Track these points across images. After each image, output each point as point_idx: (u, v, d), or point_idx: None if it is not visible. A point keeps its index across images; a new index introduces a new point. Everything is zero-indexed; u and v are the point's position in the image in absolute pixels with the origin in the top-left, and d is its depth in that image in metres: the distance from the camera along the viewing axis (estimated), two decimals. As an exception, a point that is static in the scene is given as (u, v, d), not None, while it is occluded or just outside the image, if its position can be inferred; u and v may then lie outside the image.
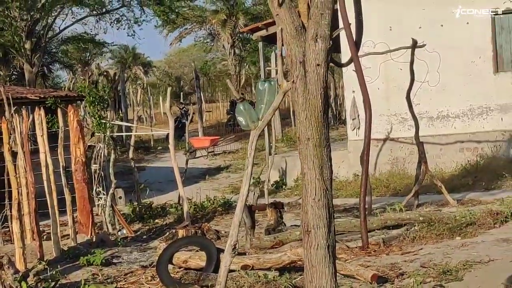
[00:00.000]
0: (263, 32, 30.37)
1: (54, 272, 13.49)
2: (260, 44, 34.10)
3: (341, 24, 12.45)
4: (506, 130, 23.45)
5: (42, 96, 25.77)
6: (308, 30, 6.70)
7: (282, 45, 6.91)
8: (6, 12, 44.50)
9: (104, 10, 49.85)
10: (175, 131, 20.90)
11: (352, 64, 12.92)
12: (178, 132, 32.90)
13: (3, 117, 16.07)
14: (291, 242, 14.25)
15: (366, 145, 14.57)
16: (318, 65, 6.62)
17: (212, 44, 63.88)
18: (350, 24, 10.87)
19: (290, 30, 6.73)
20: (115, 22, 51.39)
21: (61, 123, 17.91)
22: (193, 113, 44.29)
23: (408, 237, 15.06)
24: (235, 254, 7.93)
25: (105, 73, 51.66)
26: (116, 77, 50.94)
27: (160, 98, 55.58)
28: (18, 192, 15.44)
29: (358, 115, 23.48)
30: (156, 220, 19.76)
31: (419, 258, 13.29)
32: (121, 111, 45.31)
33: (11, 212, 15.51)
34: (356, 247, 14.18)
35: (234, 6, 52.20)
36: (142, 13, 50.38)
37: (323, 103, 6.64)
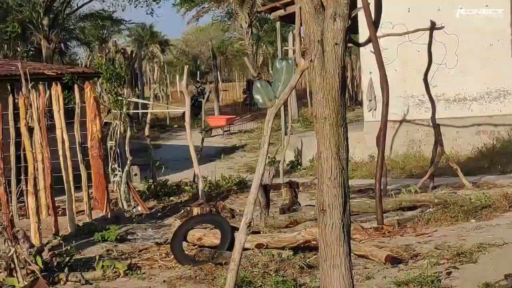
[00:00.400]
0: (281, 12, 30.33)
1: (69, 248, 13.56)
2: (278, 24, 34.14)
3: (360, 4, 12.43)
4: (524, 114, 23.40)
5: (59, 72, 25.75)
6: (327, 9, 6.68)
7: (301, 24, 6.89)
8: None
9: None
10: (191, 110, 20.94)
11: (370, 44, 12.92)
12: (194, 110, 32.78)
13: (20, 92, 16.10)
14: (305, 222, 14.26)
15: (383, 126, 14.56)
16: (336, 44, 6.60)
17: (230, 23, 63.76)
18: (369, 4, 10.85)
19: (308, 9, 6.71)
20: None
21: (77, 100, 17.94)
22: (210, 92, 44.24)
23: (422, 219, 15.05)
24: (250, 232, 7.94)
25: (122, 51, 51.55)
26: (133, 55, 50.94)
27: (177, 77, 55.64)
28: (34, 167, 15.48)
29: (375, 97, 23.41)
30: (171, 198, 19.76)
31: (433, 240, 13.29)
32: (138, 88, 45.51)
33: (26, 187, 15.53)
34: (370, 228, 14.16)
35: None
36: (160, -8, 50.33)
37: (340, 82, 6.63)
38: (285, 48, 36.16)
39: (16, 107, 16.72)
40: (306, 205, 16.62)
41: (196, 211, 16.12)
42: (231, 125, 38.10)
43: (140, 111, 29.66)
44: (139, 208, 18.28)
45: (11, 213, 14.02)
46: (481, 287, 10.31)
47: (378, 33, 12.86)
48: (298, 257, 12.41)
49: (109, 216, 17.23)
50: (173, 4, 56.30)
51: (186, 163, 21.92)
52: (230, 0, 55.48)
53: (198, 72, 56.53)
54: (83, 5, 50.99)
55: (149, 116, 24.01)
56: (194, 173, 19.28)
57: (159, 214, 17.91)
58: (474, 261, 11.72)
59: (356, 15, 12.68)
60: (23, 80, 17.39)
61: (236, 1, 54.07)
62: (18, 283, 11.16)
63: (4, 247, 12.18)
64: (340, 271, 6.57)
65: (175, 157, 25.85)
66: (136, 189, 19.41)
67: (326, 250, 6.62)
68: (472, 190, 17.25)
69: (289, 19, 30.06)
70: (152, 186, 20.64)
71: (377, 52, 12.95)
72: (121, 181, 18.86)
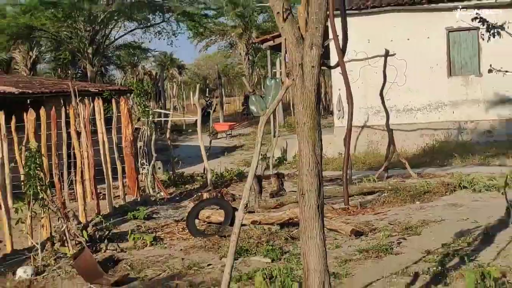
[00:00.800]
0: (270, 43, 30.78)
1: (107, 224, 13.54)
2: (268, 52, 34.38)
3: (330, 35, 12.42)
4: (456, 121, 23.47)
5: (100, 89, 25.81)
6: (305, 40, 6.68)
7: (286, 52, 6.88)
8: (74, 24, 44.52)
9: (148, 24, 49.85)
10: (202, 118, 21.04)
11: (339, 67, 12.91)
12: (204, 119, 32.85)
13: (71, 105, 16.09)
14: (289, 204, 14.25)
15: (348, 131, 14.55)
16: (313, 67, 6.60)
17: (231, 51, 63.65)
18: (338, 35, 10.84)
19: (292, 40, 6.71)
20: (157, 33, 51.56)
21: (114, 110, 17.96)
22: (216, 105, 44.30)
23: (379, 201, 15.12)
24: (246, 212, 7.91)
25: (148, 73, 51.67)
26: (157, 76, 51.15)
27: (191, 93, 55.56)
28: (81, 163, 15.52)
29: (343, 108, 23.43)
30: (186, 186, 19.77)
31: (387, 217, 13.33)
32: (161, 102, 45.49)
33: (75, 177, 15.54)
34: (339, 208, 14.20)
35: (248, 22, 51.90)
36: (178, 27, 50.43)
37: (316, 96, 6.63)
38: (274, 70, 36.17)
39: (67, 116, 16.72)
40: (290, 191, 16.60)
41: (205, 195, 16.11)
42: (232, 130, 38.00)
43: (163, 119, 29.58)
44: (162, 193, 18.30)
45: (63, 198, 14.02)
46: (424, 254, 10.34)
47: (345, 59, 12.88)
48: (284, 231, 12.44)
49: (138, 200, 17.30)
50: (188, 37, 56.30)
51: (197, 159, 21.87)
52: (231, 34, 55.49)
53: (207, 89, 56.36)
54: (119, 37, 51.10)
55: (169, 123, 24.01)
56: (204, 166, 19.25)
57: (177, 198, 17.91)
58: (419, 233, 11.75)
59: (328, 44, 12.66)
60: (72, 95, 17.41)
61: (236, 34, 54.00)
62: (69, 251, 11.17)
63: (58, 224, 12.18)
64: (315, 241, 6.57)
65: (189, 154, 25.78)
66: (160, 179, 19.44)
67: (305, 225, 6.62)
68: (417, 179, 17.27)
69: (276, 48, 30.27)
70: (172, 177, 20.66)
71: (344, 74, 12.93)
72: (148, 173, 18.91)
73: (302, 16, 6.80)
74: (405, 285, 8.95)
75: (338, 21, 12.29)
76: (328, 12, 6.86)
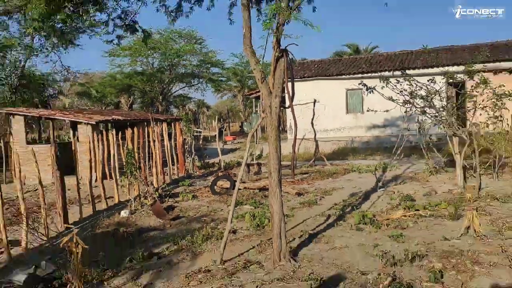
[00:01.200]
0: (254, 95, 30.44)
1: (168, 188, 13.49)
2: (254, 100, 34.05)
3: (285, 90, 12.49)
4: (350, 136, 23.51)
5: (166, 118, 25.62)
6: (272, 93, 6.72)
7: (262, 99, 6.92)
8: (152, 84, 44.46)
9: (191, 84, 49.49)
10: (219, 134, 20.98)
11: (289, 108, 12.98)
12: (219, 134, 32.84)
13: (150, 126, 15.98)
14: (263, 179, 14.25)
15: (294, 141, 14.59)
16: (276, 107, 6.64)
17: (234, 99, 63.64)
18: (289, 91, 10.94)
19: (265, 93, 6.74)
20: (196, 89, 51.69)
21: (173, 129, 17.88)
22: (226, 126, 44.25)
23: (310, 177, 15.16)
24: (241, 182, 7.95)
25: (191, 110, 51.52)
26: (195, 111, 51.03)
27: (213, 121, 55.52)
28: (155, 157, 15.41)
29: (292, 128, 23.47)
30: (210, 169, 19.65)
31: (315, 186, 13.35)
32: (197, 125, 45.32)
33: (152, 164, 15.42)
34: (289, 181, 14.24)
35: (243, 84, 51.98)
36: (207, 86, 50.01)
37: (277, 122, 6.66)
38: (256, 109, 36.16)
39: (148, 133, 16.65)
40: (264, 172, 16.62)
41: (220, 174, 16.08)
42: (234, 140, 37.88)
43: (198, 134, 29.49)
44: (197, 172, 18.22)
45: (145, 174, 13.93)
46: (333, 205, 10.40)
47: (294, 103, 13.01)
48: (261, 193, 12.46)
49: (185, 176, 17.19)
50: (212, 91, 56.12)
51: (216, 155, 21.78)
52: (234, 90, 55.44)
53: (221, 119, 56.15)
54: (176, 91, 50.86)
55: (202, 136, 23.98)
56: (219, 159, 19.20)
57: (205, 175, 17.82)
58: (330, 194, 11.81)
59: (284, 96, 12.73)
60: (151, 121, 17.25)
61: (237, 90, 54.04)
62: (148, 202, 11.12)
63: (143, 188, 12.13)
64: (277, 198, 6.59)
65: (212, 152, 25.67)
66: (196, 165, 19.35)
67: (272, 189, 6.64)
68: (330, 166, 17.32)
69: (258, 98, 30.14)
70: (202, 164, 20.52)
71: (292, 111, 12.99)
72: (190, 161, 18.81)
73: (270, 81, 6.85)
74: (324, 220, 9.01)
75: (289, 83, 12.48)
76: (284, 79, 6.88)
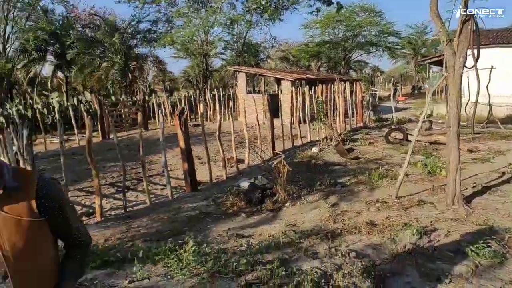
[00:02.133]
0: (429, 60, 26.59)
1: (348, 134, 13.23)
2: (427, 65, 29.90)
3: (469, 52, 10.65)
4: None
5: (348, 78, 24.62)
6: (457, 54, 5.81)
7: (445, 60, 6.01)
8: (337, 52, 43.23)
9: (369, 51, 46.10)
10: (393, 94, 19.29)
11: (473, 68, 11.08)
12: (393, 94, 30.32)
13: (336, 83, 15.61)
14: (435, 134, 12.76)
15: (476, 99, 12.47)
16: (460, 67, 5.76)
17: (407, 64, 57.28)
18: (474, 54, 9.28)
19: (449, 53, 5.88)
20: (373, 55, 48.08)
21: (354, 88, 17.15)
22: (399, 89, 40.55)
23: (482, 137, 12.97)
24: (417, 135, 7.24)
25: (367, 74, 48.58)
26: (371, 75, 47.85)
27: (387, 83, 51.38)
28: (339, 107, 15.08)
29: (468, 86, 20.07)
30: (383, 122, 18.22)
31: (487, 146, 11.40)
32: (374, 86, 42.46)
33: (338, 114, 15.18)
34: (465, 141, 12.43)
35: (417, 51, 46.31)
36: (383, 53, 45.87)
37: (460, 82, 5.76)
38: (433, 73, 32.07)
39: (333, 90, 16.33)
40: (435, 128, 14.87)
41: (393, 127, 15.04)
42: (406, 100, 34.16)
43: (374, 93, 27.58)
44: (372, 125, 17.29)
45: (332, 121, 13.91)
46: (507, 164, 8.75)
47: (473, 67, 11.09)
48: (432, 146, 11.23)
49: (362, 126, 16.51)
50: (386, 58, 51.63)
51: (389, 112, 20.22)
52: (408, 57, 50.07)
53: (394, 82, 51.54)
54: (355, 58, 47.83)
55: (378, 95, 22.47)
56: (392, 115, 17.77)
57: (379, 126, 16.76)
58: (504, 154, 9.90)
59: (467, 57, 10.86)
60: (337, 80, 16.84)
61: (410, 57, 48.63)
62: (333, 143, 11.10)
63: (329, 132, 12.14)
64: (454, 151, 5.84)
65: (385, 110, 23.92)
66: (371, 119, 18.41)
67: (450, 139, 5.92)
68: (503, 129, 14.42)
69: (433, 63, 26.37)
70: (377, 118, 19.21)
71: (476, 71, 11.12)
72: (367, 115, 17.95)
73: (455, 42, 5.91)
74: (497, 176, 7.71)
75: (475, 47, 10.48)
76: (469, 42, 5.86)
